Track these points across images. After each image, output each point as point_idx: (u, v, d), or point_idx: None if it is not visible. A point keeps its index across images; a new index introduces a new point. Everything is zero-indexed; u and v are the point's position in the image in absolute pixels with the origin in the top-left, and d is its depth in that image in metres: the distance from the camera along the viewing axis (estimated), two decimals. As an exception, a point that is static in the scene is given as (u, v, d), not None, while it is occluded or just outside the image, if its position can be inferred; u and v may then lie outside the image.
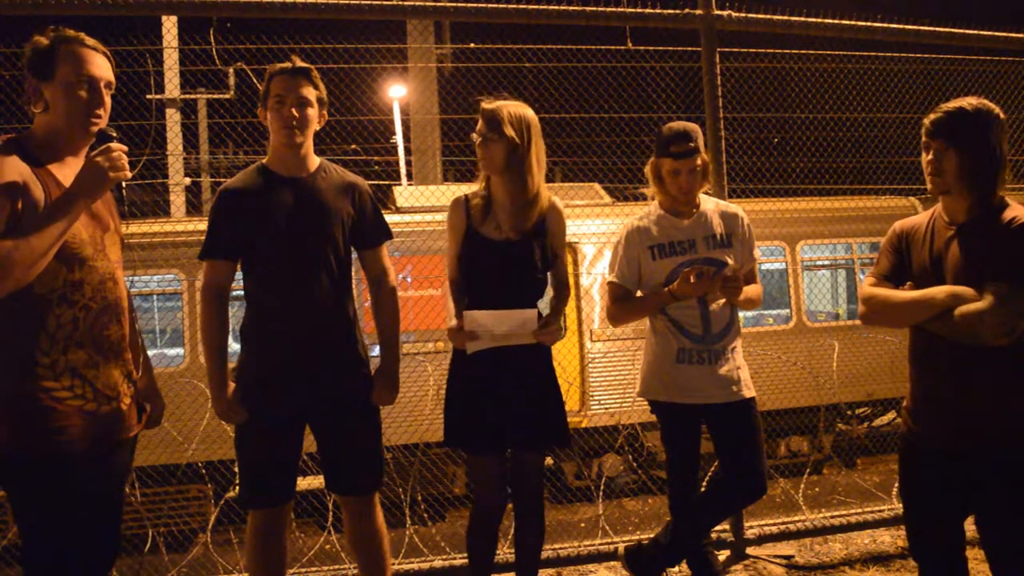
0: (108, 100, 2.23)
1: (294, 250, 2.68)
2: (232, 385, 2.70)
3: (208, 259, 2.74)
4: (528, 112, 2.83)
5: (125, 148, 2.16)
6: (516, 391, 2.80)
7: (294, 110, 2.65)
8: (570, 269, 7.34)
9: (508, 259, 2.81)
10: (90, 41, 2.19)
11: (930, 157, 2.33)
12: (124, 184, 2.23)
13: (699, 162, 3.03)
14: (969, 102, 2.29)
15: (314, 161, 2.80)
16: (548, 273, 2.94)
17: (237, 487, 2.87)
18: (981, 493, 2.29)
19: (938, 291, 2.25)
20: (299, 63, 2.71)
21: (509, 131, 2.76)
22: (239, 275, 2.79)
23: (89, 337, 2.16)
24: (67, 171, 2.16)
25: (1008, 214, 2.26)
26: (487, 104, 2.80)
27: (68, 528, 2.11)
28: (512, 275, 2.82)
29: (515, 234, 2.80)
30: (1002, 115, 2.29)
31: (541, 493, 2.98)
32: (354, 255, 2.87)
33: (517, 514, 2.97)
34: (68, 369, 2.12)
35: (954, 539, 2.40)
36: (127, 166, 2.15)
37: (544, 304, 2.92)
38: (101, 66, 2.20)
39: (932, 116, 2.33)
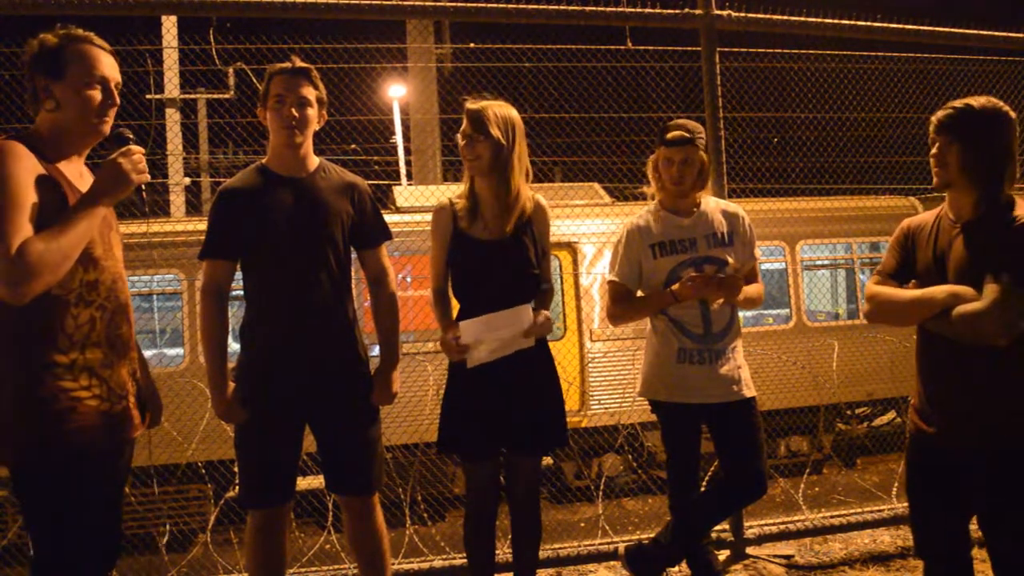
0: (118, 100, 2.24)
1: (293, 250, 2.68)
2: (232, 385, 2.70)
3: (207, 259, 2.74)
4: (513, 113, 2.82)
5: (143, 150, 2.17)
6: (515, 396, 2.78)
7: (294, 110, 2.65)
8: (569, 269, 7.42)
9: (500, 258, 2.79)
10: (98, 41, 2.19)
11: (934, 151, 2.34)
12: (143, 185, 2.23)
13: (694, 157, 3.02)
14: (977, 100, 2.29)
15: (313, 161, 2.80)
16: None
17: (237, 487, 2.87)
18: (986, 493, 2.29)
19: (938, 290, 2.25)
20: (299, 63, 2.70)
21: (495, 132, 2.74)
22: (239, 275, 2.79)
23: (105, 337, 2.17)
24: (73, 169, 2.17)
25: (1015, 212, 2.25)
26: (472, 104, 2.78)
27: (79, 528, 2.11)
28: (505, 274, 2.80)
29: (503, 234, 2.79)
30: (1012, 114, 2.29)
31: (537, 495, 2.97)
32: (354, 255, 2.87)
33: (513, 516, 2.97)
34: (85, 369, 2.13)
35: (960, 539, 2.40)
36: (147, 168, 2.16)
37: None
38: (111, 66, 2.21)
39: (940, 113, 2.34)
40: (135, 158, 2.14)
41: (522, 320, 2.72)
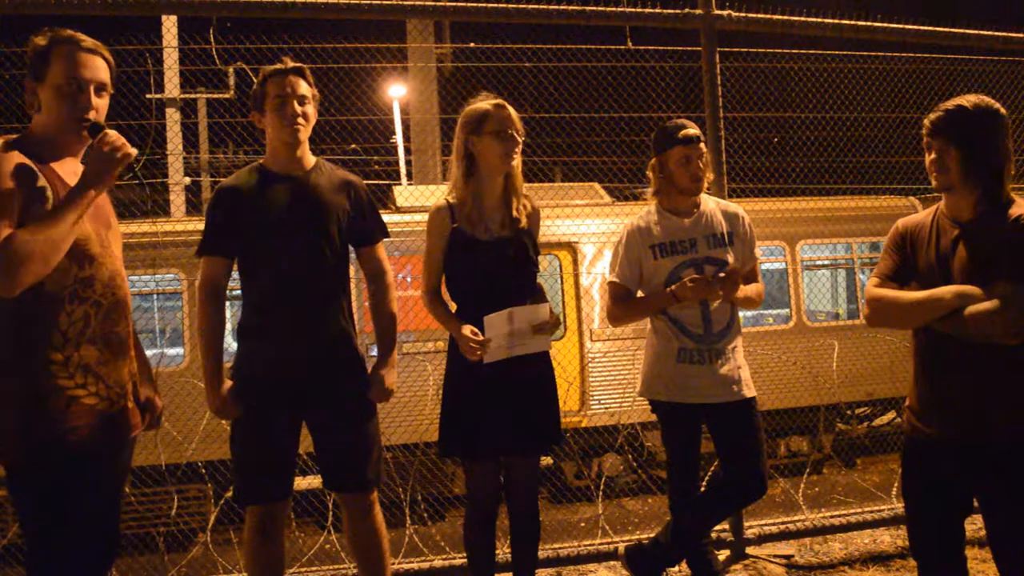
0: (101, 103, 2.21)
1: (290, 246, 2.68)
2: (228, 383, 2.70)
3: (205, 256, 2.74)
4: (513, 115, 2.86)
5: (116, 132, 2.14)
6: (513, 396, 2.78)
7: (298, 107, 2.67)
8: (569, 269, 7.42)
9: (501, 258, 2.79)
10: (87, 43, 2.17)
11: (933, 156, 2.32)
12: (136, 161, 2.22)
13: (703, 153, 3.06)
14: (968, 99, 2.28)
15: (310, 159, 2.81)
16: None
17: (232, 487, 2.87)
18: (988, 491, 2.29)
19: (945, 291, 2.23)
20: (290, 63, 2.72)
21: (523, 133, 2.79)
22: (237, 275, 2.79)
23: (100, 334, 2.17)
24: (67, 169, 2.17)
25: (1015, 211, 2.24)
26: (500, 101, 2.80)
27: (74, 527, 2.11)
28: (507, 273, 2.81)
29: (507, 231, 2.80)
30: (1003, 111, 2.27)
31: (536, 495, 2.97)
32: (353, 255, 2.87)
33: (512, 517, 2.96)
34: (81, 367, 2.12)
35: (955, 539, 2.40)
36: (128, 144, 2.13)
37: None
38: (94, 67, 2.18)
39: (932, 116, 2.32)
40: (111, 138, 2.11)
41: (540, 316, 2.75)
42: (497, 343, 2.70)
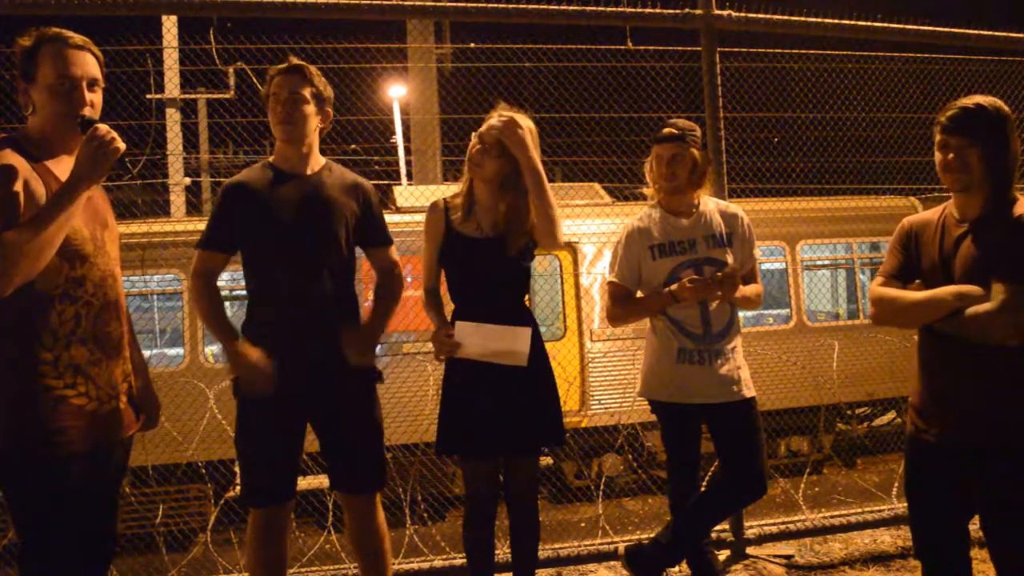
0: (95, 97, 2.20)
1: (297, 244, 2.68)
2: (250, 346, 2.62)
3: (204, 250, 2.73)
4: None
5: (107, 127, 2.13)
6: (510, 396, 2.78)
7: (286, 106, 2.67)
8: (570, 269, 7.42)
9: (493, 257, 2.79)
10: (74, 39, 2.16)
11: (951, 155, 2.27)
12: (135, 160, 2.22)
13: (685, 154, 3.03)
14: (984, 99, 2.26)
15: (319, 160, 2.81)
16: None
17: (238, 487, 2.86)
18: (989, 492, 2.28)
19: (945, 292, 2.23)
20: (294, 61, 2.72)
21: (515, 152, 2.75)
22: (241, 273, 2.79)
23: (91, 334, 2.16)
24: (64, 168, 2.16)
25: (1018, 210, 2.24)
26: (504, 112, 2.78)
27: (66, 528, 2.10)
28: (498, 272, 2.81)
29: (496, 233, 2.79)
30: (1010, 112, 2.27)
31: (536, 494, 2.96)
32: (359, 255, 2.87)
33: (512, 517, 2.96)
34: (71, 367, 2.11)
35: (959, 539, 2.40)
36: (119, 138, 2.11)
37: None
38: (84, 64, 2.17)
39: (948, 112, 2.27)
40: (101, 133, 2.09)
41: (517, 342, 2.72)
42: (466, 349, 2.73)
